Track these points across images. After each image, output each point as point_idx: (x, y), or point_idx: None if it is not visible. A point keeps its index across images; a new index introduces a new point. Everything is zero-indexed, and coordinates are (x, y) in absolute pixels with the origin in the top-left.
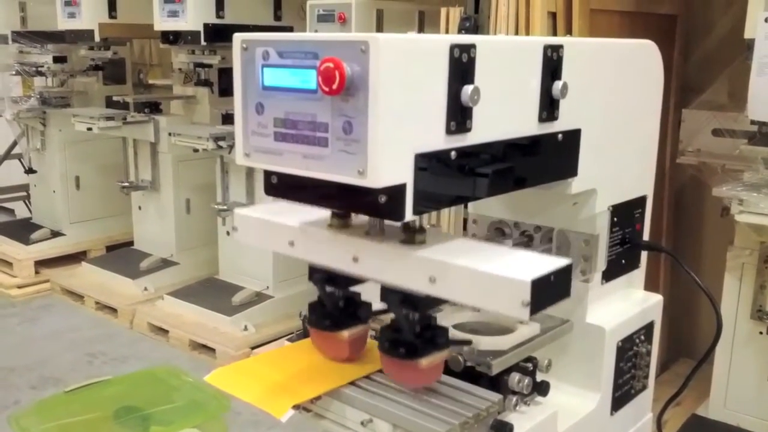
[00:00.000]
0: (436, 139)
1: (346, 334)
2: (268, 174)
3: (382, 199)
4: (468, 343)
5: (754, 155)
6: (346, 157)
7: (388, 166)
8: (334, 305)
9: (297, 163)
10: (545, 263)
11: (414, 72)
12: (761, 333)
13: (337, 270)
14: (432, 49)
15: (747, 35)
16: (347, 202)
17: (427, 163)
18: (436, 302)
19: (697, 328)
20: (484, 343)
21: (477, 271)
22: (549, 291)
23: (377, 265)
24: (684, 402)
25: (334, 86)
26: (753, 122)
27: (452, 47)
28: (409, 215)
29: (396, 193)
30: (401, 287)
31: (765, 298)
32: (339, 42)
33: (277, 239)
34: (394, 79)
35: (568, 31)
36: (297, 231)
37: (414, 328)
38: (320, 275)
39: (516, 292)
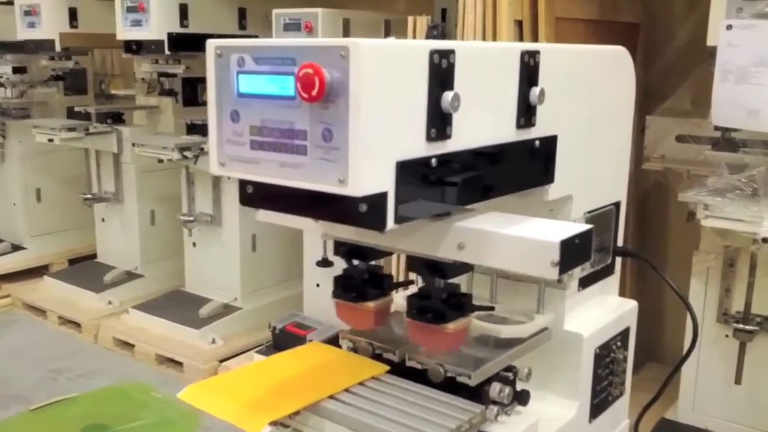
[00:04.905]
0: (417, 146)
1: (371, 304)
2: (243, 183)
3: (363, 208)
4: (491, 308)
5: (719, 160)
6: (326, 165)
7: (369, 174)
8: (359, 278)
9: (274, 172)
10: (569, 227)
11: (394, 78)
12: (727, 336)
13: (364, 243)
14: (412, 55)
15: (709, 42)
16: (326, 212)
17: (409, 171)
18: (464, 269)
19: (663, 332)
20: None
21: (506, 236)
22: (575, 252)
23: (405, 236)
24: (652, 406)
25: (314, 92)
26: (717, 128)
27: (432, 53)
28: (390, 224)
29: (377, 201)
30: (429, 256)
31: (730, 302)
32: (318, 47)
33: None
34: (375, 86)
35: (534, 39)
36: None
37: (441, 295)
38: (345, 248)
39: (546, 253)
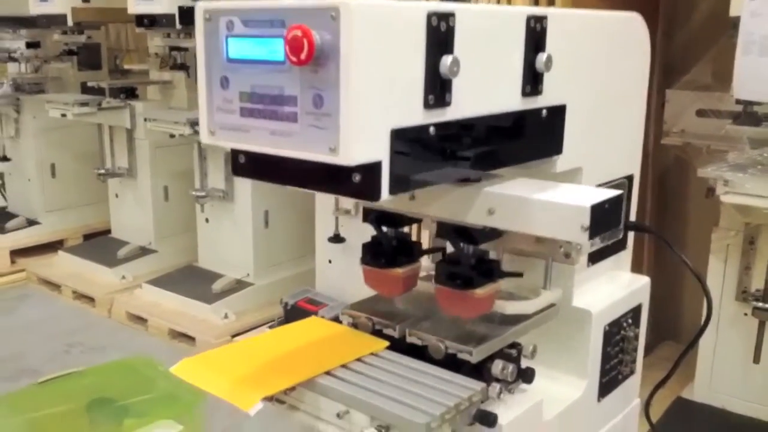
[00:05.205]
0: (414, 113)
1: (400, 271)
2: (235, 153)
3: (356, 178)
4: (519, 275)
5: (740, 135)
6: (316, 132)
7: (362, 142)
8: (388, 244)
9: (264, 141)
10: (599, 192)
11: (389, 41)
12: (746, 314)
13: (394, 209)
14: (408, 17)
15: (732, 13)
16: (319, 182)
17: (404, 140)
18: (493, 234)
19: (680, 310)
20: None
21: (537, 200)
22: (605, 217)
23: (435, 201)
24: (668, 385)
25: (303, 56)
26: (738, 102)
27: (429, 15)
28: (385, 195)
29: (371, 171)
30: (459, 221)
31: (750, 280)
32: (307, 9)
33: None
34: (368, 49)
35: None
36: None
37: (469, 261)
38: (375, 215)
39: (576, 218)
